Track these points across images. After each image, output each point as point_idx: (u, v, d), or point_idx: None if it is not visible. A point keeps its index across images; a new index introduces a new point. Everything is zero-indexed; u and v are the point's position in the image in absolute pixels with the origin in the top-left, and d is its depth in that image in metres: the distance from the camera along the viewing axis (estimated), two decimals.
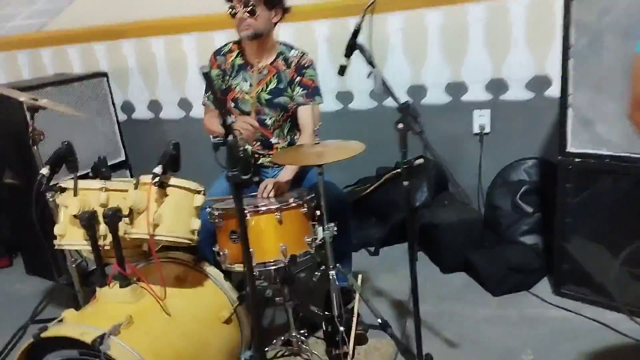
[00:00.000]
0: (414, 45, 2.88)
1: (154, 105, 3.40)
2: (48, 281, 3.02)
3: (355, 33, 1.66)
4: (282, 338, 2.02)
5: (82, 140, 2.95)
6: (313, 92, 2.28)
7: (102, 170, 1.98)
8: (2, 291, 2.99)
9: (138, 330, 1.55)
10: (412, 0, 2.82)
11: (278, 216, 1.84)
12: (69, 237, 1.69)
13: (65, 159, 1.75)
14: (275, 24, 2.23)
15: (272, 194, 2.02)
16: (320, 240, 1.94)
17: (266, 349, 1.97)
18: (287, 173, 2.17)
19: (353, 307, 2.00)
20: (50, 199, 1.87)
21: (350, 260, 2.34)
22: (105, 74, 3.06)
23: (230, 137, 1.39)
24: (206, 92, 2.39)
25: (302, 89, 2.27)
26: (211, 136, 1.49)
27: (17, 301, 2.85)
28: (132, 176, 3.23)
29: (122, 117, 3.42)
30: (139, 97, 3.40)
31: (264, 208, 1.86)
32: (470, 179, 2.94)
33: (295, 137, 2.38)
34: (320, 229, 1.94)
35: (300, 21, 2.90)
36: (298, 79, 2.28)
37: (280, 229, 1.85)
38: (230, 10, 2.15)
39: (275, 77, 2.28)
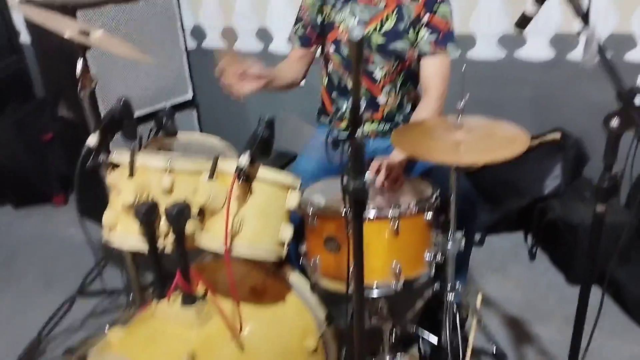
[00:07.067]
0: None
1: (228, 33, 2.85)
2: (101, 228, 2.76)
3: None
4: None
5: (144, 72, 2.49)
6: (445, 38, 1.67)
7: (167, 124, 1.59)
8: (56, 235, 2.74)
9: None
10: None
11: (394, 226, 1.34)
12: (122, 230, 1.26)
13: (120, 123, 1.30)
14: None
15: (386, 184, 1.51)
16: (442, 258, 1.45)
17: None
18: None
19: (466, 335, 1.56)
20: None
21: (467, 271, 1.84)
22: None
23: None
24: (296, 23, 1.84)
25: (430, 32, 1.66)
26: None
27: (69, 249, 2.59)
28: (199, 119, 2.78)
29: (191, 44, 2.92)
30: (212, 22, 2.86)
31: (374, 213, 1.35)
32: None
33: (406, 97, 1.82)
34: (441, 239, 1.45)
35: None
36: (426, 17, 1.66)
37: (394, 243, 1.36)
38: None
39: (394, 13, 1.68)
